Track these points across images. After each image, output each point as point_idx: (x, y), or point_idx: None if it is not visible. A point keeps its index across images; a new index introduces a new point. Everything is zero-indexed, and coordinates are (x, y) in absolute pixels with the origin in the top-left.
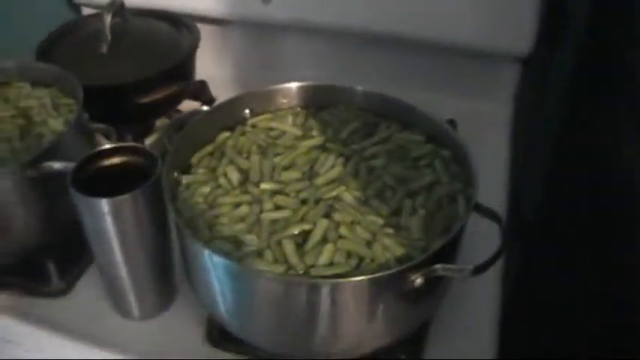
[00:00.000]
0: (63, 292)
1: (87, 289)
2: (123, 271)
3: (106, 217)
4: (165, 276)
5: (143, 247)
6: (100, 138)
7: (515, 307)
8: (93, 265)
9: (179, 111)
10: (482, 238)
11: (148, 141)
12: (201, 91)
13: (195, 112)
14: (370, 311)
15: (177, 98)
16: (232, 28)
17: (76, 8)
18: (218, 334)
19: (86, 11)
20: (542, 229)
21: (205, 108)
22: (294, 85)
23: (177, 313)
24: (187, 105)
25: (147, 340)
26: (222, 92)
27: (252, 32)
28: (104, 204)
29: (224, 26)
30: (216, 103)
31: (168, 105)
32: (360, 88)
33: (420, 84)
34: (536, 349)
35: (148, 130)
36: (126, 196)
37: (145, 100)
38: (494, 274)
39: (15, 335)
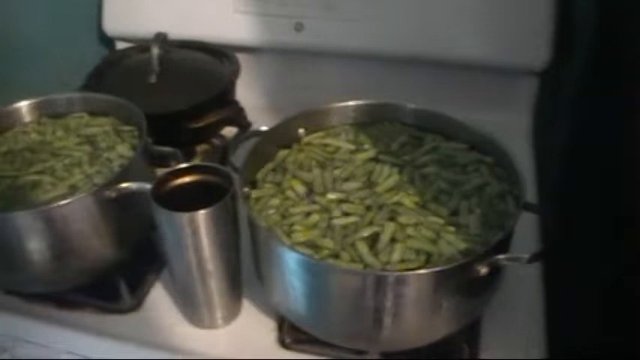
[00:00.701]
0: (134, 307)
1: (155, 304)
2: (197, 282)
3: (185, 231)
4: (236, 287)
5: (217, 259)
6: None
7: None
8: (157, 283)
9: (222, 136)
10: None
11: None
12: (238, 117)
13: (254, 133)
14: (442, 300)
15: (222, 124)
16: (264, 55)
17: (109, 42)
18: (289, 338)
19: (119, 45)
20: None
21: (264, 128)
22: (345, 104)
23: (246, 321)
24: (226, 130)
25: (220, 347)
26: (256, 117)
27: (284, 59)
28: (185, 218)
29: (257, 54)
30: (274, 124)
31: (214, 130)
32: (411, 105)
33: (442, 100)
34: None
35: (189, 155)
36: (205, 211)
37: (197, 125)
38: (534, 270)
39: (92, 353)
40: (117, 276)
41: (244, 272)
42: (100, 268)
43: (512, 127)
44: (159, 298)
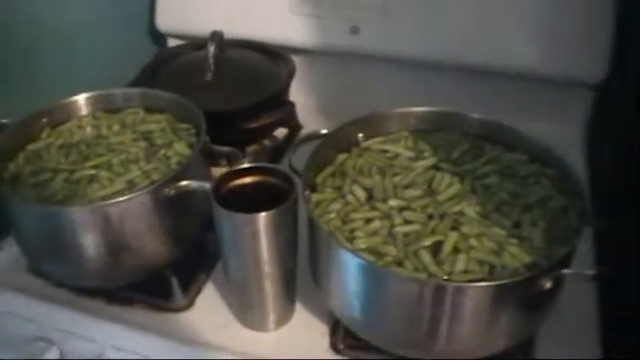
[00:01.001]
0: (186, 307)
1: (206, 304)
2: (253, 284)
3: (245, 232)
4: (291, 290)
5: (275, 262)
6: None
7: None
8: (209, 282)
9: (273, 136)
10: None
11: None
12: (289, 118)
13: (311, 136)
14: (502, 313)
15: (275, 125)
16: (319, 57)
17: (160, 38)
18: (343, 344)
19: (170, 41)
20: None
21: (324, 131)
22: (407, 110)
23: (299, 325)
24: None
25: (272, 350)
26: (307, 119)
27: (338, 61)
28: (245, 219)
29: (311, 56)
30: (334, 128)
31: (267, 131)
32: (475, 115)
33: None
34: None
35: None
36: (267, 213)
37: (252, 126)
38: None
39: (141, 350)
40: (169, 274)
41: (298, 275)
42: (153, 265)
43: (565, 139)
44: (210, 298)
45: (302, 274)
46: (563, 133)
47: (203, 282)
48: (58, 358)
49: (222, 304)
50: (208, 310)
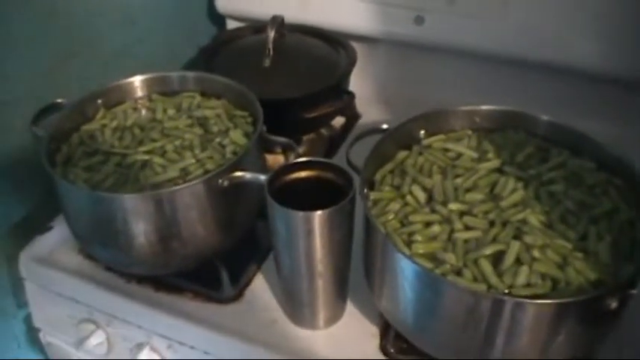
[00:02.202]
0: (234, 298)
1: (255, 297)
2: (305, 281)
3: (299, 230)
4: (342, 289)
5: (328, 261)
6: None
7: None
8: (259, 275)
9: (330, 126)
10: None
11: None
12: (347, 107)
13: (371, 130)
14: (561, 331)
15: (334, 114)
16: (380, 45)
17: (219, 19)
18: (392, 347)
19: (229, 23)
20: None
21: (385, 126)
22: (472, 108)
23: (348, 325)
24: (335, 120)
25: (320, 349)
26: (365, 108)
27: (400, 51)
28: (300, 217)
29: (373, 44)
30: (397, 123)
31: (326, 121)
32: (544, 116)
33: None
34: None
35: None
36: (322, 212)
37: (310, 115)
38: None
39: (187, 339)
40: (219, 264)
41: (351, 272)
42: (203, 255)
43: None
44: (260, 291)
45: (355, 272)
46: (632, 139)
47: (253, 273)
48: (104, 340)
49: (271, 297)
50: (257, 303)
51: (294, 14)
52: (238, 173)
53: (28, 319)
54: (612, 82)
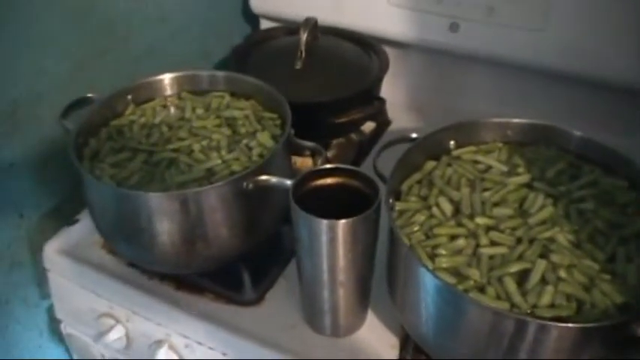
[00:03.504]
0: (255, 301)
1: (276, 301)
2: (326, 289)
3: (323, 238)
4: (364, 299)
5: (350, 270)
6: None
7: None
8: (281, 278)
9: (360, 131)
10: None
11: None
12: (378, 112)
13: (400, 139)
14: (584, 355)
15: (364, 120)
16: (413, 52)
17: (253, 19)
18: (412, 358)
19: (263, 23)
20: None
21: (414, 135)
22: (504, 121)
23: (368, 334)
24: (365, 125)
25: (339, 357)
26: (396, 115)
27: (434, 58)
28: (324, 225)
29: (405, 50)
30: (426, 132)
31: (356, 126)
32: (577, 132)
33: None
34: None
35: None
36: (347, 220)
37: (341, 120)
38: None
39: (206, 340)
40: (242, 266)
41: (374, 281)
42: (225, 256)
43: None
44: (281, 295)
45: (378, 281)
46: None
47: (275, 277)
48: (123, 336)
49: (292, 302)
50: (278, 307)
51: (328, 16)
52: (263, 177)
53: (50, 310)
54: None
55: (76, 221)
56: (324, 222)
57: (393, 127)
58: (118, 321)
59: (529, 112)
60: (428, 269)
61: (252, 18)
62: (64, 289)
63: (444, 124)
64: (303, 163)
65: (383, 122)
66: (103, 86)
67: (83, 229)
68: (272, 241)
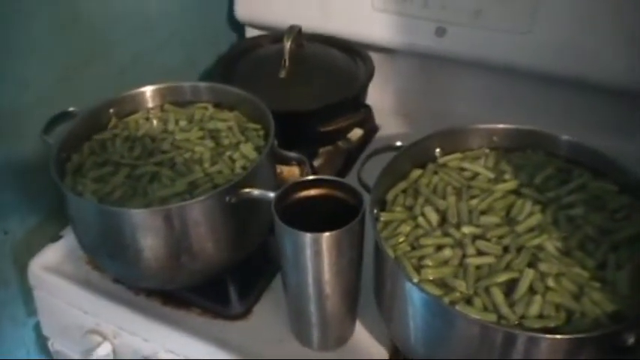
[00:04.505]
0: (242, 315)
1: (264, 314)
2: (312, 302)
3: (307, 251)
4: (351, 311)
5: (336, 283)
6: None
7: None
8: (268, 291)
9: (347, 139)
10: None
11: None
12: (365, 119)
13: (387, 148)
14: None
15: (350, 127)
16: (400, 57)
17: (239, 27)
18: None
19: (249, 31)
20: None
21: (399, 144)
22: (490, 127)
23: (357, 347)
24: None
25: None
26: (384, 120)
27: (420, 63)
28: (308, 238)
29: (392, 55)
30: (413, 139)
31: (342, 134)
32: (564, 136)
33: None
34: None
35: (311, 156)
36: (331, 233)
37: (326, 129)
38: None
39: (196, 354)
40: (228, 280)
41: (362, 292)
42: (211, 270)
43: None
44: (269, 309)
45: (365, 292)
46: None
47: (262, 290)
48: (110, 352)
49: (280, 315)
50: (265, 321)
51: (314, 23)
52: (246, 190)
53: (37, 327)
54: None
55: (61, 237)
56: (308, 235)
57: (381, 133)
58: (105, 337)
59: (520, 116)
60: (413, 282)
61: (238, 26)
62: (50, 306)
63: (433, 129)
64: (290, 172)
65: (371, 129)
66: (88, 97)
67: (68, 245)
68: (258, 254)
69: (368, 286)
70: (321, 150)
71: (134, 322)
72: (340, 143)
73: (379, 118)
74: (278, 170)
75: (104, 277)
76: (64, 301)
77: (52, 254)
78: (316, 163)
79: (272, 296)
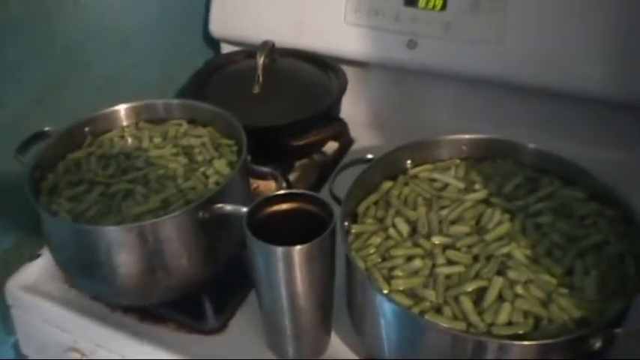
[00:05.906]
0: (218, 329)
1: (240, 328)
2: (286, 316)
3: (279, 265)
4: (326, 323)
5: (310, 296)
6: None
7: None
8: (244, 305)
9: (322, 152)
10: None
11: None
12: (340, 132)
13: (358, 160)
14: None
15: (325, 141)
16: (373, 70)
17: (215, 43)
18: None
19: (224, 47)
20: None
21: (370, 156)
22: (458, 137)
23: (332, 358)
24: (328, 146)
25: None
26: (358, 133)
27: (393, 76)
28: (279, 252)
29: (365, 68)
30: (383, 152)
31: (316, 148)
32: (531, 145)
33: (558, 134)
34: None
35: (287, 169)
36: (302, 246)
37: (299, 143)
38: None
39: None
40: (203, 295)
41: (336, 302)
42: (186, 285)
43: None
44: (244, 322)
45: (340, 302)
46: (633, 164)
47: (238, 304)
48: None
49: (255, 329)
50: (241, 335)
51: (287, 38)
52: (218, 205)
53: (16, 346)
54: (612, 107)
55: (38, 256)
56: (279, 249)
57: (356, 146)
58: (83, 355)
59: (494, 125)
60: (382, 293)
61: (214, 43)
62: (28, 325)
63: (408, 140)
64: (267, 186)
65: (346, 142)
66: (64, 117)
67: (45, 263)
68: (234, 266)
69: (342, 298)
70: (297, 164)
71: (112, 338)
72: (316, 157)
73: (354, 130)
74: (254, 185)
75: (82, 295)
76: (42, 319)
77: (29, 273)
78: (292, 176)
79: (247, 310)
